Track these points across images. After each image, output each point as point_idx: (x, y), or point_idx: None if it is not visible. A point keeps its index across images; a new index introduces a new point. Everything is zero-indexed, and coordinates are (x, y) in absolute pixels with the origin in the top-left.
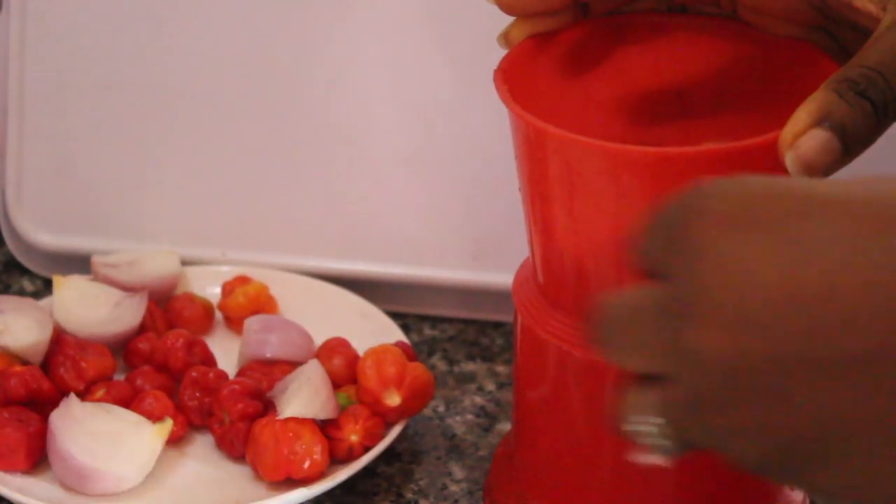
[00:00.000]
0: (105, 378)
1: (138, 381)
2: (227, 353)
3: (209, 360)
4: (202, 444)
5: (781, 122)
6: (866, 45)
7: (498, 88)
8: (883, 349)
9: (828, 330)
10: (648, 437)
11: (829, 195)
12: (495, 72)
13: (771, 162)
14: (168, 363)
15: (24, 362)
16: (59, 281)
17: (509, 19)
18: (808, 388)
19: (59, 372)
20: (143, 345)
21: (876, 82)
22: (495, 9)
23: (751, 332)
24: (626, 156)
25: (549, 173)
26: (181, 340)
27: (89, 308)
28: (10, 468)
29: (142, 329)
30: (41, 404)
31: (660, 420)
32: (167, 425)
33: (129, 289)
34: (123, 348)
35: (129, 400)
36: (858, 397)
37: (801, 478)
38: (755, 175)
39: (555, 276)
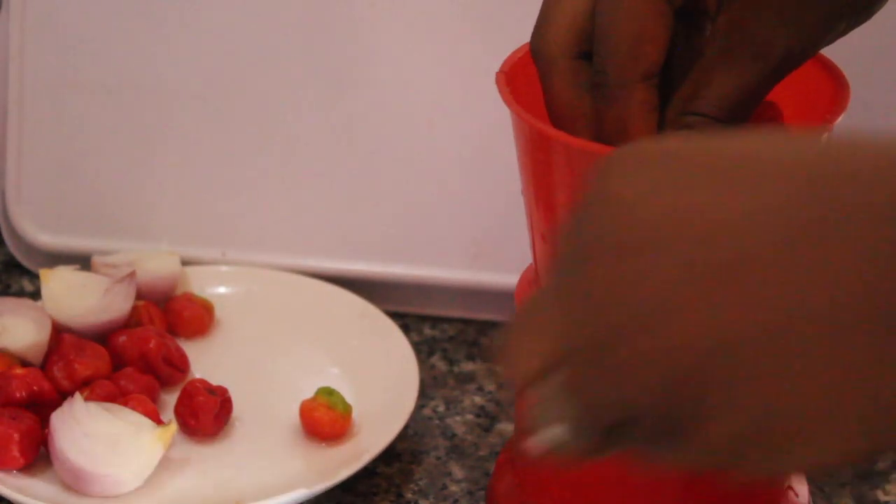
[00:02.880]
0: (98, 380)
1: (122, 383)
2: (226, 353)
3: (177, 360)
4: (200, 445)
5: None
6: (703, 72)
7: (500, 90)
8: (756, 255)
9: (710, 240)
10: (558, 434)
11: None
12: (498, 74)
13: None
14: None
15: (24, 363)
16: (45, 274)
17: (512, 20)
18: (698, 300)
19: (52, 372)
20: (122, 339)
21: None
22: (498, 9)
23: (635, 253)
24: None
25: (552, 177)
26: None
27: (78, 298)
28: (3, 465)
29: (134, 319)
30: (42, 405)
31: (565, 407)
32: (170, 430)
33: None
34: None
35: (113, 401)
36: (745, 304)
37: (698, 426)
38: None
39: None
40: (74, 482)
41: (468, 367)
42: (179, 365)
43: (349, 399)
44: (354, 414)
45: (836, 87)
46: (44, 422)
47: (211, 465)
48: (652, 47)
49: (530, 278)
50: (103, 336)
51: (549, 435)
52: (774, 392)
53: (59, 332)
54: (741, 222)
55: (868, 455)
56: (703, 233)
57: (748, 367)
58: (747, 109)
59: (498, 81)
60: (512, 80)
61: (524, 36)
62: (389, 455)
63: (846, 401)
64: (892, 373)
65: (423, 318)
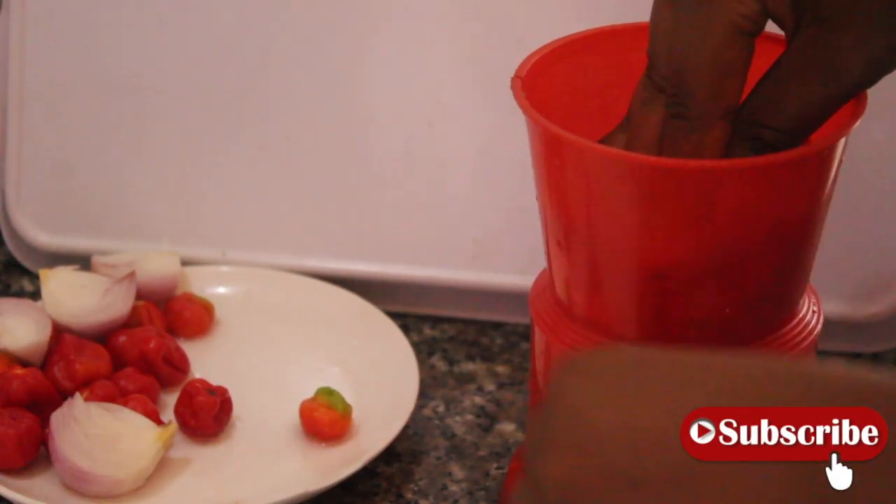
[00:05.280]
0: (98, 380)
1: (122, 383)
2: (226, 353)
3: (177, 360)
4: (200, 445)
5: None
6: (775, 87)
7: (516, 96)
8: (686, 472)
9: (644, 453)
10: None
11: (665, 360)
12: (513, 79)
13: (783, 174)
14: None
15: (25, 363)
16: (45, 275)
17: (514, 19)
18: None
19: (52, 372)
20: (122, 339)
21: (786, 141)
22: (500, 8)
23: (583, 453)
24: (644, 166)
25: (567, 182)
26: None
27: (79, 298)
28: (3, 465)
29: (134, 319)
30: (42, 405)
31: None
32: (170, 430)
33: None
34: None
35: (113, 401)
36: None
37: None
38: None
39: (572, 288)
40: (74, 482)
41: (468, 367)
42: (179, 365)
43: (349, 399)
44: (354, 414)
45: None
46: (44, 422)
47: (211, 465)
48: (735, 82)
49: (544, 283)
50: (103, 336)
51: None
52: None
53: (59, 332)
54: (663, 436)
55: None
56: (632, 443)
57: None
58: (813, 127)
59: (514, 87)
60: (527, 85)
61: (527, 35)
62: (389, 455)
63: None
64: None
65: (423, 318)
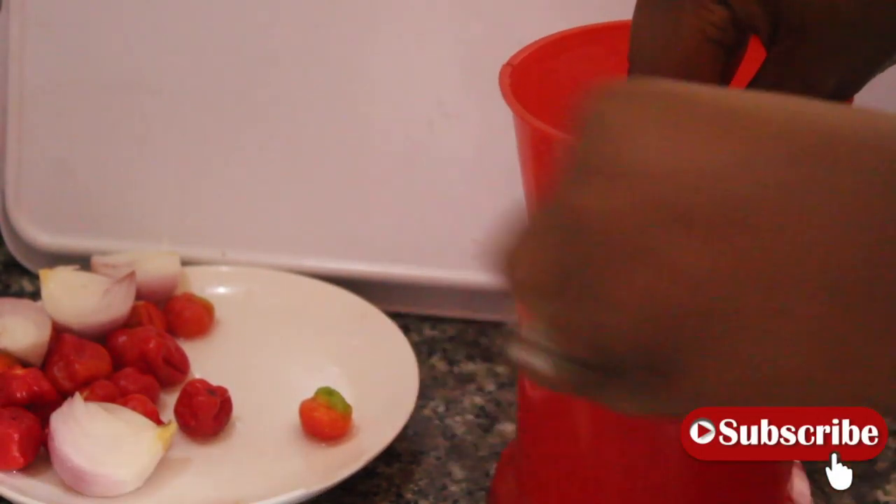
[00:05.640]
0: (98, 380)
1: (122, 383)
2: (226, 353)
3: (177, 360)
4: (200, 445)
5: None
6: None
7: (501, 84)
8: (757, 201)
9: (699, 190)
10: (537, 358)
11: (731, 103)
12: (504, 66)
13: None
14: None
15: (25, 363)
16: (45, 275)
17: (514, 19)
18: (688, 247)
19: (52, 372)
20: (122, 339)
21: None
22: (500, 8)
23: (629, 184)
24: None
25: (536, 168)
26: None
27: (79, 298)
28: (3, 465)
29: (134, 319)
30: (42, 405)
31: (544, 333)
32: (170, 430)
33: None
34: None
35: (113, 401)
36: (736, 255)
37: (684, 375)
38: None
39: None
40: (74, 482)
41: (468, 367)
42: (179, 365)
43: (349, 399)
44: (354, 414)
45: None
46: (44, 422)
47: (211, 465)
48: None
49: None
50: (103, 336)
51: (533, 363)
52: (761, 349)
53: (59, 332)
54: (735, 172)
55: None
56: (698, 178)
57: (736, 322)
58: None
59: (501, 74)
60: (519, 78)
61: (527, 36)
62: (389, 455)
63: (844, 369)
64: (889, 349)
65: (423, 319)
